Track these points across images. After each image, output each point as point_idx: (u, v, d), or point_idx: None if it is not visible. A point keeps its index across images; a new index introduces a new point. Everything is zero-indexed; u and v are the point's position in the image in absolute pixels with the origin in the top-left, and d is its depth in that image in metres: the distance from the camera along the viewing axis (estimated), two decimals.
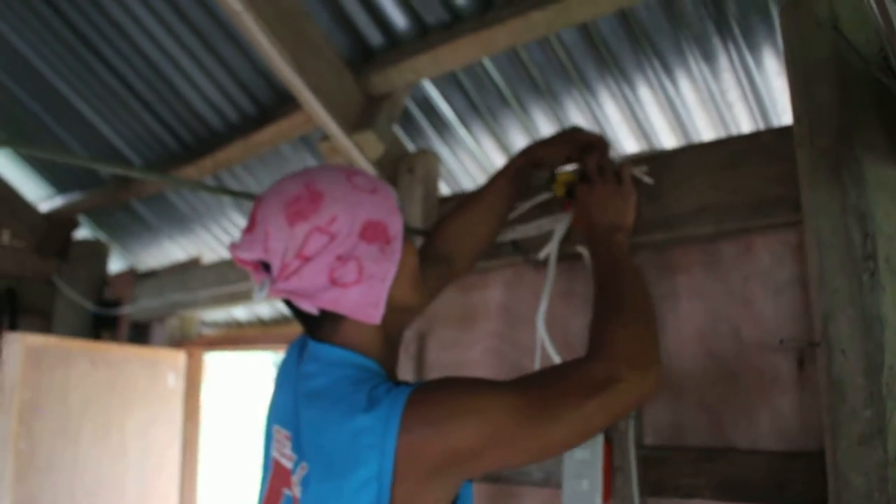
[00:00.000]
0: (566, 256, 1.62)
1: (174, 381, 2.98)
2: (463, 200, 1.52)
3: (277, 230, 1.05)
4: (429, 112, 2.02)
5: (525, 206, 1.67)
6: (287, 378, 1.19)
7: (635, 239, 1.54)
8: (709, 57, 1.61)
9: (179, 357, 3.09)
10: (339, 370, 1.07)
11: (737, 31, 1.54)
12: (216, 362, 3.80)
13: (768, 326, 1.46)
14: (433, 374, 1.93)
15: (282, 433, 1.13)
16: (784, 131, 1.40)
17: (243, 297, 2.70)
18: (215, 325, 3.57)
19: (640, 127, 1.81)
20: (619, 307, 1.18)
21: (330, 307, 1.06)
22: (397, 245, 1.11)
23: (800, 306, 1.43)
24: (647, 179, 1.51)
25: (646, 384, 1.10)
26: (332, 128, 1.79)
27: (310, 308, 1.07)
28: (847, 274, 1.18)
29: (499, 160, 2.08)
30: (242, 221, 2.89)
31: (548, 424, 0.99)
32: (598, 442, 1.55)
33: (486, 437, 0.96)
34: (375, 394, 0.98)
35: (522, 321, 1.78)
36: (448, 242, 1.47)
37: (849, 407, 1.16)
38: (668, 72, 1.67)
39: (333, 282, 1.06)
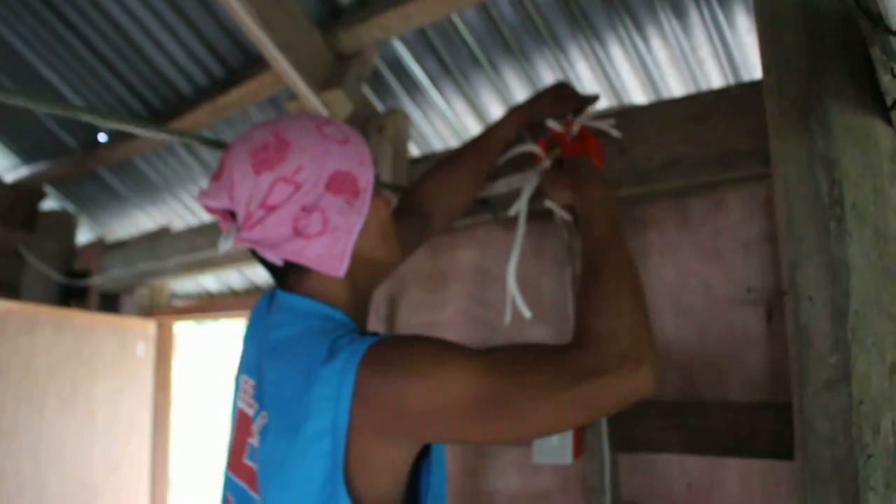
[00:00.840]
0: (536, 214, 1.61)
1: (143, 351, 2.94)
2: (445, 158, 1.50)
3: (243, 178, 1.03)
4: (399, 73, 2.00)
5: (502, 158, 1.65)
6: (256, 328, 1.17)
7: None
8: (680, 14, 1.60)
9: (149, 326, 3.05)
10: (305, 320, 1.05)
11: None
12: (187, 332, 3.76)
13: (738, 281, 1.47)
14: None
15: (248, 382, 1.11)
16: (754, 85, 1.40)
17: (213, 264, 2.67)
18: (187, 296, 3.53)
19: (612, 85, 1.80)
20: (613, 291, 1.08)
21: (293, 258, 1.04)
22: (366, 198, 1.09)
23: (769, 260, 1.44)
24: (616, 133, 1.50)
25: (637, 380, 0.98)
26: (301, 87, 1.76)
27: (274, 259, 1.05)
28: (814, 221, 1.19)
29: (470, 121, 2.06)
30: None
31: (511, 409, 0.92)
32: None
33: (439, 406, 0.91)
34: (337, 344, 0.96)
35: (494, 281, 1.77)
36: (427, 199, 1.44)
37: (815, 353, 1.17)
38: (640, 29, 1.66)
39: (297, 232, 1.03)
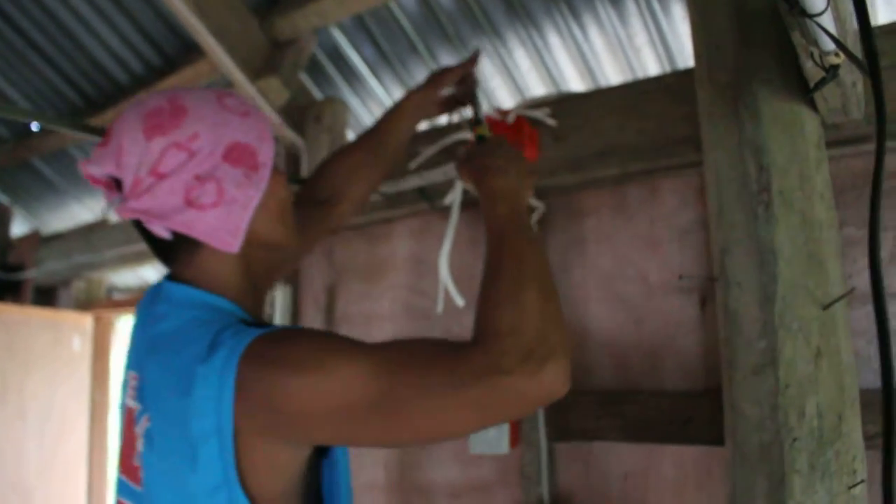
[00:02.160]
0: (472, 202, 1.59)
1: (80, 345, 2.85)
2: (345, 143, 1.43)
3: (132, 143, 0.97)
4: (338, 61, 1.96)
5: (430, 151, 1.63)
6: (143, 320, 1.09)
7: (544, 182, 1.53)
8: (616, 2, 1.60)
9: (85, 320, 2.96)
10: (187, 312, 0.98)
11: None
12: (129, 326, 3.65)
13: (673, 269, 1.48)
14: (343, 327, 1.89)
15: (137, 378, 1.03)
16: (688, 73, 1.40)
17: (153, 256, 2.59)
18: (127, 289, 3.43)
19: (549, 73, 1.79)
20: (512, 284, 0.95)
21: (183, 230, 0.97)
22: (265, 173, 1.03)
23: (704, 248, 1.45)
24: (550, 121, 1.50)
25: (541, 380, 0.83)
26: (236, 74, 1.72)
27: (161, 231, 0.98)
28: (743, 207, 1.19)
29: None
30: None
31: (399, 412, 0.83)
32: None
33: (322, 408, 0.84)
34: (218, 339, 0.90)
35: (430, 271, 1.75)
36: (331, 185, 1.37)
37: (744, 338, 1.17)
38: (577, 17, 1.65)
39: (189, 203, 0.97)
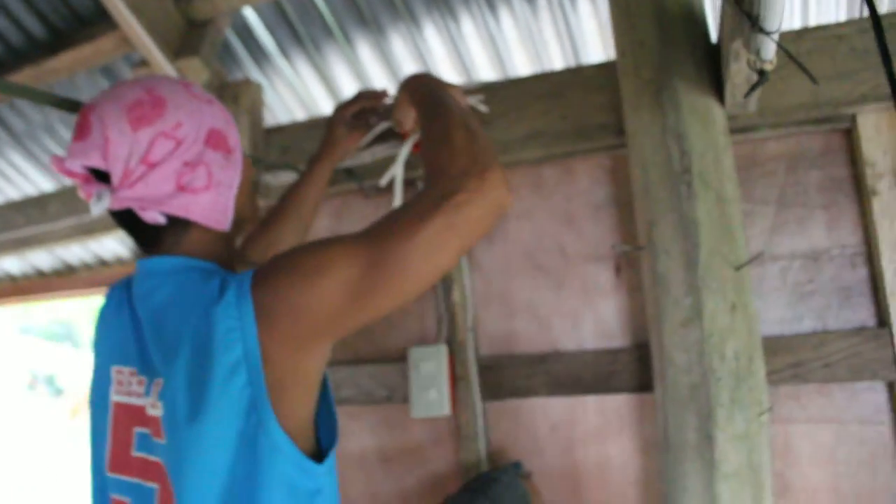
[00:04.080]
0: (408, 182, 1.68)
1: None
2: (269, 215, 1.52)
3: (119, 135, 0.99)
4: (248, 42, 1.95)
5: (366, 140, 1.70)
6: (119, 315, 1.11)
7: None
8: None
9: None
10: (181, 275, 1.03)
11: None
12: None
13: (588, 241, 1.66)
14: None
15: (125, 371, 1.06)
16: (604, 66, 1.59)
17: (13, 246, 2.42)
18: None
19: (462, 61, 1.91)
20: (443, 131, 1.05)
21: (181, 213, 1.03)
22: (239, 156, 1.12)
23: (617, 221, 1.64)
24: (483, 108, 1.62)
25: (488, 188, 0.95)
26: (155, 53, 1.67)
27: (155, 217, 1.02)
28: (667, 186, 1.39)
29: (319, 92, 2.07)
30: (20, 162, 2.54)
31: (396, 259, 0.92)
32: (443, 354, 1.67)
33: (337, 290, 0.91)
34: (225, 282, 0.97)
35: None
36: (261, 253, 1.48)
37: (672, 298, 1.38)
38: (492, 8, 1.78)
39: (182, 188, 1.03)
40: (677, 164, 1.38)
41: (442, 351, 1.67)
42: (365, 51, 1.92)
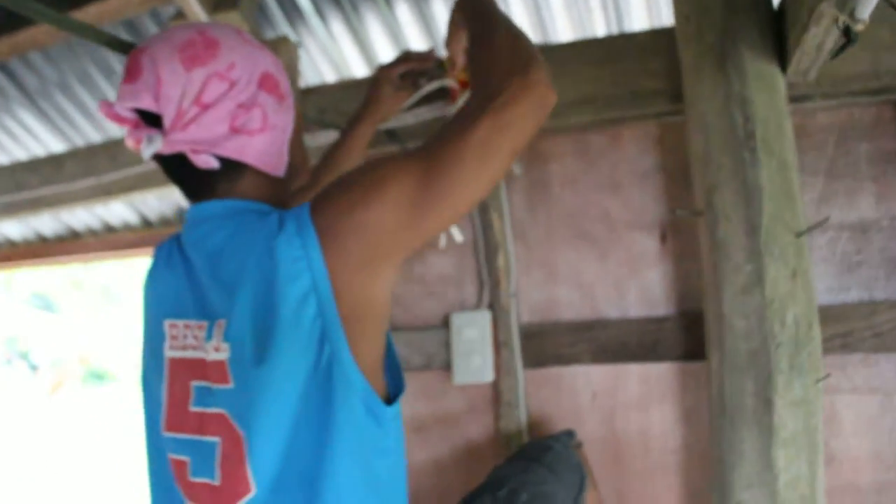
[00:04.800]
0: None
1: None
2: (317, 165, 1.49)
3: (172, 75, 0.96)
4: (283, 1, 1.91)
5: (412, 100, 1.66)
6: (169, 269, 1.08)
7: None
8: None
9: None
10: (237, 217, 1.00)
11: None
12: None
13: (634, 208, 1.65)
14: None
15: (179, 325, 1.03)
16: (659, 32, 1.58)
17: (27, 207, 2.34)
18: None
19: None
20: (486, 38, 1.04)
21: (235, 156, 1.01)
22: (290, 101, 1.09)
23: (662, 189, 1.64)
24: None
25: (531, 85, 0.94)
26: (192, 4, 1.62)
27: (208, 161, 0.99)
28: (730, 152, 1.38)
29: (353, 55, 2.03)
30: (30, 121, 2.45)
31: (451, 165, 0.90)
32: (487, 320, 1.65)
33: (397, 203, 0.90)
34: (283, 216, 0.95)
35: None
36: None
37: (732, 263, 1.37)
38: None
39: (236, 130, 1.00)
40: (741, 130, 1.37)
41: (486, 317, 1.65)
42: (404, 13, 1.88)
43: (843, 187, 1.53)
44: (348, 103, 1.78)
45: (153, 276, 1.12)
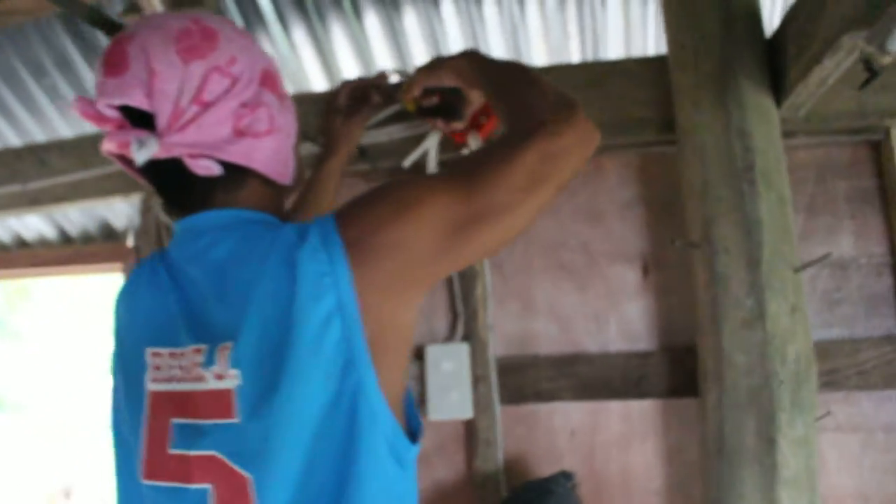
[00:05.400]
0: (421, 165, 1.56)
1: None
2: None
3: (168, 68, 0.85)
4: (242, 1, 1.77)
5: (378, 119, 1.57)
6: (154, 291, 0.94)
7: None
8: None
9: None
10: (242, 228, 0.89)
11: None
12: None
13: (615, 240, 1.61)
14: None
15: (164, 353, 0.89)
16: (649, 60, 1.55)
17: None
18: None
19: (477, 46, 1.82)
20: (523, 77, 1.04)
21: (242, 161, 0.89)
22: (290, 103, 0.99)
23: (644, 221, 1.60)
24: None
25: (578, 119, 0.94)
26: (153, 4, 1.46)
27: (209, 167, 0.88)
28: (729, 183, 1.36)
29: (314, 68, 1.91)
30: None
31: (498, 190, 0.85)
32: (465, 353, 1.55)
33: (436, 224, 0.83)
34: (302, 226, 0.84)
35: None
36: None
37: (732, 297, 1.34)
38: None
39: (240, 132, 0.89)
40: (740, 162, 1.35)
41: (464, 350, 1.55)
42: (373, 25, 1.78)
43: (823, 224, 1.54)
44: (304, 118, 1.66)
45: (131, 300, 0.97)
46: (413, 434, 0.90)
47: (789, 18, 1.30)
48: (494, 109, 1.08)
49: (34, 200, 1.74)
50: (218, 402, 0.82)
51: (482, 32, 1.80)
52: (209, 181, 0.90)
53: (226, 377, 0.81)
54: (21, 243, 2.13)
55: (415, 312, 0.88)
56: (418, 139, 1.55)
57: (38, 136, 1.99)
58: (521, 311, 1.62)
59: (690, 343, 1.52)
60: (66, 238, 2.07)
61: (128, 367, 0.94)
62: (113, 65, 0.86)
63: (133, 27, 0.90)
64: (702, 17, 1.40)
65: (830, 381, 1.45)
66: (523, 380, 1.57)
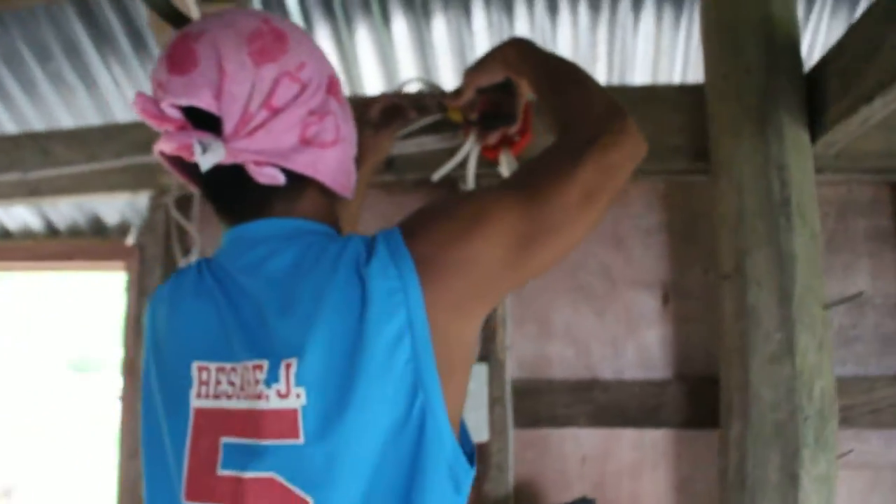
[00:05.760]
0: (450, 179, 1.53)
1: None
2: None
3: (239, 69, 0.81)
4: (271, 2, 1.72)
5: (408, 130, 1.54)
6: (199, 302, 0.88)
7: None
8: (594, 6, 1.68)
9: None
10: (301, 238, 0.85)
11: None
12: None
13: (635, 265, 1.60)
14: None
15: (211, 368, 0.84)
16: (687, 88, 1.55)
17: None
18: None
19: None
20: (573, 78, 1.02)
21: (308, 171, 0.86)
22: (350, 110, 0.96)
23: (666, 248, 1.59)
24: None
25: (629, 131, 0.93)
26: None
27: (274, 176, 0.84)
28: (765, 216, 1.35)
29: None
30: None
31: (557, 205, 0.84)
32: (484, 373, 1.52)
33: (501, 240, 0.81)
34: (369, 241, 0.82)
35: None
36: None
37: (762, 331, 1.33)
38: (552, 12, 1.69)
39: (307, 141, 0.86)
40: (777, 195, 1.35)
41: (482, 370, 1.52)
42: (401, 32, 1.74)
43: (842, 261, 1.55)
44: None
45: (174, 309, 0.91)
46: (469, 456, 0.87)
47: (834, 55, 1.31)
48: (542, 104, 1.05)
49: (34, 191, 1.66)
50: (281, 421, 0.77)
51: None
52: (268, 189, 0.86)
53: (290, 395, 0.77)
54: (4, 234, 2.03)
55: (478, 329, 0.86)
56: (449, 151, 1.52)
57: (37, 123, 1.90)
58: (538, 334, 1.60)
59: (707, 373, 1.52)
60: (52, 231, 1.98)
61: (169, 381, 0.88)
62: (179, 62, 0.82)
63: (200, 23, 0.86)
64: (745, 49, 1.40)
65: (844, 417, 1.46)
66: (538, 404, 1.55)
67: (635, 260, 1.60)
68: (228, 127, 0.82)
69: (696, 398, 1.51)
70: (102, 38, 1.78)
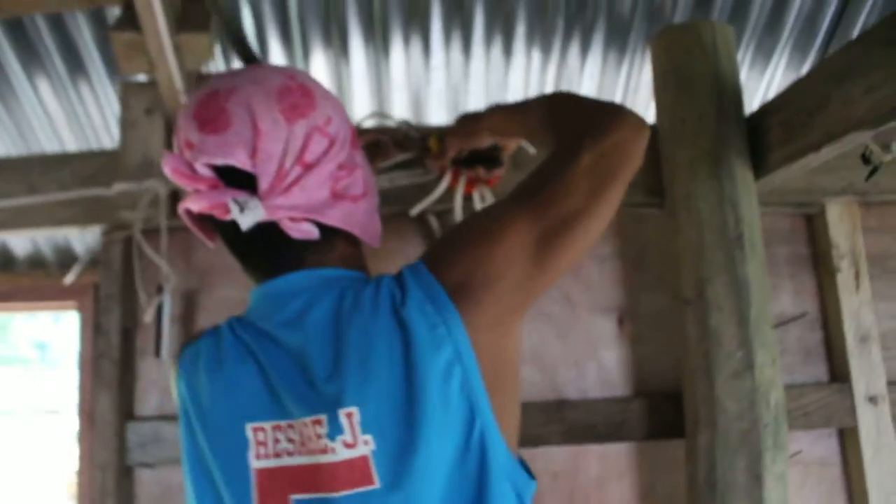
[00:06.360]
0: (440, 211, 1.59)
1: None
2: None
3: (273, 127, 0.84)
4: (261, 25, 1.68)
5: (385, 165, 1.57)
6: (239, 364, 0.89)
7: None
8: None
9: None
10: (335, 286, 0.88)
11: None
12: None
13: (594, 291, 1.72)
14: None
15: (266, 427, 0.85)
16: None
17: None
18: None
19: (457, 102, 1.87)
20: (549, 116, 1.02)
21: (341, 225, 0.90)
22: (365, 160, 1.02)
23: (620, 274, 1.73)
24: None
25: (624, 115, 0.93)
26: (158, 18, 1.35)
27: (309, 231, 0.88)
28: (722, 249, 1.51)
29: None
30: None
31: (565, 200, 0.86)
32: None
33: (518, 252, 0.84)
34: (397, 279, 0.85)
35: None
36: None
37: (724, 350, 1.49)
38: (507, 54, 1.78)
39: (338, 195, 0.90)
40: (732, 230, 1.51)
41: None
42: (398, 60, 1.75)
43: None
44: None
45: (214, 373, 0.90)
46: (527, 468, 0.92)
47: (777, 106, 1.49)
48: (540, 145, 1.09)
49: None
50: (353, 470, 0.80)
51: (463, 85, 1.85)
52: (301, 243, 0.89)
53: (358, 444, 0.80)
54: None
55: (519, 339, 0.91)
56: (420, 187, 1.56)
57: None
58: None
59: (662, 389, 1.67)
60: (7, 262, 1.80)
61: (223, 446, 0.87)
62: (212, 121, 0.83)
63: (226, 80, 0.87)
64: (698, 96, 1.55)
65: None
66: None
67: (593, 286, 1.72)
68: (264, 184, 0.83)
69: (655, 412, 1.65)
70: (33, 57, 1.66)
